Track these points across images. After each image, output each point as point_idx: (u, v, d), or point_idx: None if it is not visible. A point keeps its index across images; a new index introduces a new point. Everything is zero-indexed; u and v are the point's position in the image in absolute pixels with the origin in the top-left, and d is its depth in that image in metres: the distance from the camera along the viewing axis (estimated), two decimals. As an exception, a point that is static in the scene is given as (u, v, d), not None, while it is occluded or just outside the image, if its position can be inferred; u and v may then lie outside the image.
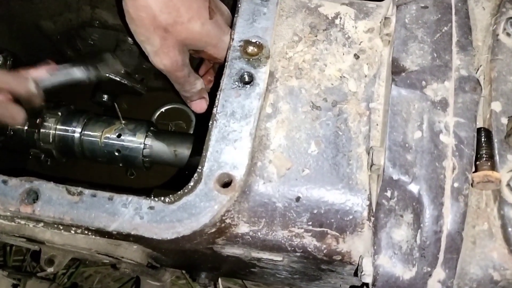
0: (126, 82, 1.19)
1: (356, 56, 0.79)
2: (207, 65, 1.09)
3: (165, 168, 1.33)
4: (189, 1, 0.81)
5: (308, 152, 0.73)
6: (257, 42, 0.78)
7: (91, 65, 1.03)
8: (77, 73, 0.99)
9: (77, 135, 1.13)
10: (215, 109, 0.74)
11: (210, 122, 0.74)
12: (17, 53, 1.24)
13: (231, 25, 0.82)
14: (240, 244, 0.73)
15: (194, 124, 1.38)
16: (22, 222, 0.73)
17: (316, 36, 0.81)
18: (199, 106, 1.05)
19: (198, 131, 1.38)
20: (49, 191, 0.71)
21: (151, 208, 0.69)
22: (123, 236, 0.69)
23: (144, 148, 1.12)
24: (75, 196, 0.70)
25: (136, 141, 1.12)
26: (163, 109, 1.46)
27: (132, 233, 0.67)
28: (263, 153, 0.74)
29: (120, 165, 1.16)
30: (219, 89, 0.76)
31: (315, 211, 0.71)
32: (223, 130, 0.73)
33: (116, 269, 1.16)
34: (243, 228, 0.73)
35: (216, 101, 0.75)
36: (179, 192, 0.69)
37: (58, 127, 1.13)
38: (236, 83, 0.76)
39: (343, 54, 0.80)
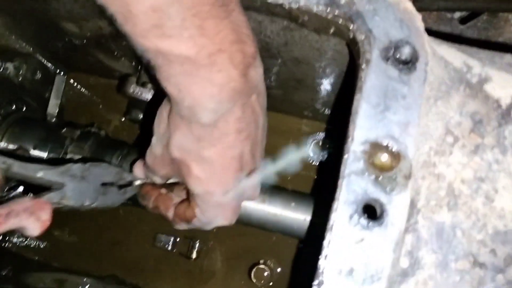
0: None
1: (547, 181, 0.50)
2: None
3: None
4: None
5: None
6: (392, 149, 0.49)
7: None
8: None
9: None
10: (321, 262, 0.47)
11: (314, 280, 0.47)
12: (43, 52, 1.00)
13: None
14: None
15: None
16: None
17: (482, 138, 0.51)
18: None
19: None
20: None
21: None
22: None
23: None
24: None
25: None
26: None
27: None
28: None
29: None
30: (328, 227, 0.48)
31: None
32: (335, 301, 0.46)
33: None
34: None
35: (323, 247, 0.48)
36: None
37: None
38: (356, 217, 0.48)
39: (525, 174, 0.50)
